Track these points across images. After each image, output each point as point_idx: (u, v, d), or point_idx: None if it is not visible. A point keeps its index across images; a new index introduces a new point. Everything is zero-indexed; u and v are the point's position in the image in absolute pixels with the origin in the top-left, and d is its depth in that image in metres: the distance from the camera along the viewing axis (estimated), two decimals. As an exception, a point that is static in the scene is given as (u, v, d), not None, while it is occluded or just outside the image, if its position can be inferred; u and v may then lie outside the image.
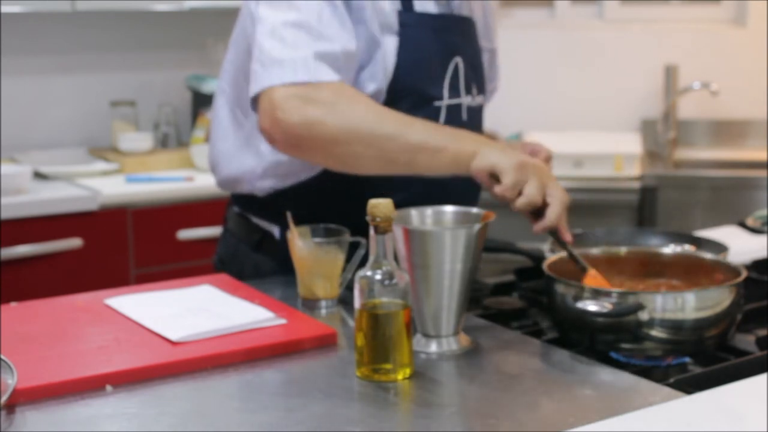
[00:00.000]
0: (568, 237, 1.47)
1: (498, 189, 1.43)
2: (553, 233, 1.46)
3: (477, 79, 1.77)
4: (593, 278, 1.45)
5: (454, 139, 1.50)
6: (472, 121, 1.74)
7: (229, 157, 1.77)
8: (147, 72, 3.57)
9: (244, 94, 1.71)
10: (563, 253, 1.50)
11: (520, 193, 1.43)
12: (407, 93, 1.63)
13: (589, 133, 3.76)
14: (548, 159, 1.76)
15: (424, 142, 1.48)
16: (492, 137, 1.87)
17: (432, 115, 1.67)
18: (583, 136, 3.68)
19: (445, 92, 1.69)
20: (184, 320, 1.41)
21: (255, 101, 1.57)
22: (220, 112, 1.79)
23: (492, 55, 1.91)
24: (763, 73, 3.77)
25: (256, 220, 1.79)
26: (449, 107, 1.69)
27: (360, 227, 1.42)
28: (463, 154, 1.47)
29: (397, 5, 1.64)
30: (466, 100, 1.73)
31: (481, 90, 1.79)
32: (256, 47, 1.57)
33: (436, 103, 1.67)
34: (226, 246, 1.87)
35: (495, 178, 1.44)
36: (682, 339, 1.34)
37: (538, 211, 1.45)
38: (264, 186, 1.73)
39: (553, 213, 1.43)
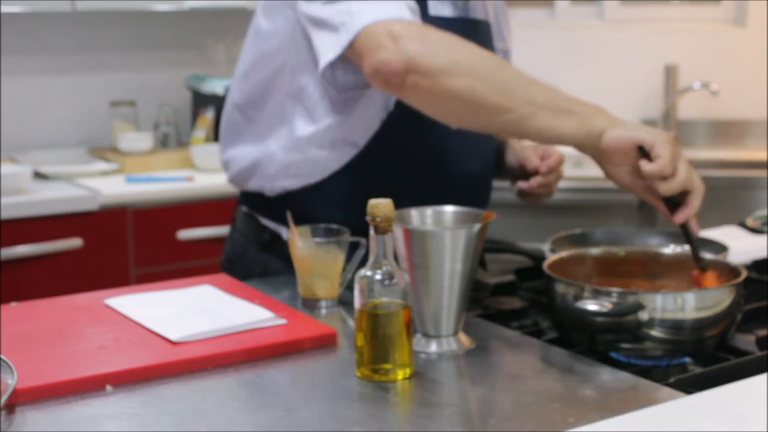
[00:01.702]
0: (697, 230, 1.42)
1: (652, 166, 1.35)
2: (685, 227, 1.42)
3: None
4: (709, 281, 1.43)
5: (581, 106, 1.41)
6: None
7: (242, 155, 1.76)
8: (147, 72, 3.57)
9: (258, 92, 1.70)
10: (566, 252, 1.50)
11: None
12: None
13: (589, 133, 3.75)
14: (560, 162, 1.76)
15: (550, 100, 1.41)
16: (503, 141, 1.87)
17: None
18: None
19: None
20: (184, 320, 1.41)
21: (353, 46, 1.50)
22: (232, 110, 1.78)
23: (506, 55, 1.91)
24: (763, 73, 3.77)
25: (264, 220, 1.79)
26: None
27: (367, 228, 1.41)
28: (590, 123, 1.39)
29: None
30: None
31: None
32: (333, 8, 1.52)
33: None
34: (233, 246, 1.87)
35: (643, 152, 1.37)
36: (682, 339, 1.34)
37: (670, 199, 1.40)
38: (274, 186, 1.72)
39: (699, 201, 1.38)
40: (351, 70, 1.59)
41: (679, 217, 1.41)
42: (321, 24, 1.54)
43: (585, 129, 1.41)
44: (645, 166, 1.38)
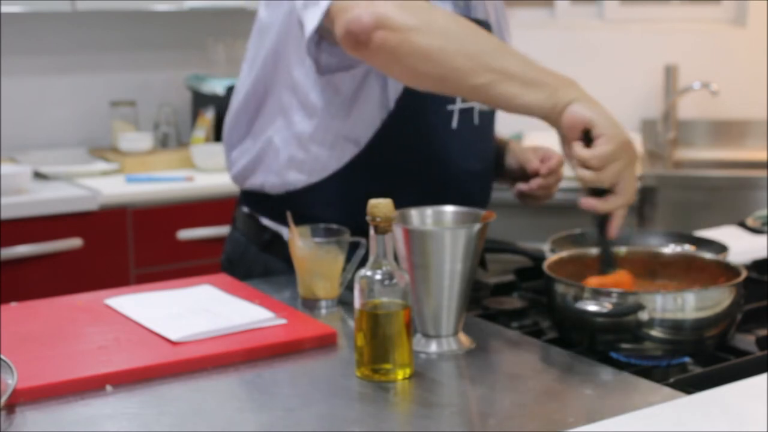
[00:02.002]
0: (612, 233, 1.41)
1: (581, 151, 1.35)
2: (601, 222, 1.42)
3: None
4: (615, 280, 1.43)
5: (551, 77, 1.39)
6: (484, 125, 1.74)
7: (245, 152, 1.76)
8: (147, 72, 3.57)
9: (261, 85, 1.70)
10: (566, 252, 1.50)
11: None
12: (420, 96, 1.62)
13: (589, 133, 3.75)
14: (560, 164, 1.76)
15: (523, 70, 1.39)
16: (504, 143, 1.87)
17: (444, 119, 1.67)
18: (583, 136, 3.68)
19: (459, 97, 1.68)
20: (184, 320, 1.41)
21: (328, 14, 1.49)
22: (237, 108, 1.78)
23: None
24: (763, 73, 3.77)
25: (265, 220, 1.79)
26: (461, 111, 1.69)
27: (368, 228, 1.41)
28: (558, 95, 1.37)
29: None
30: (478, 104, 1.72)
31: None
32: None
33: (449, 107, 1.67)
34: (234, 246, 1.87)
35: (586, 136, 1.36)
36: (682, 339, 1.34)
37: (598, 189, 1.38)
38: (277, 180, 1.72)
39: (617, 204, 1.37)
40: (335, 53, 1.59)
41: (589, 203, 1.37)
42: (307, 1, 1.54)
43: (552, 101, 1.38)
44: (576, 147, 1.36)
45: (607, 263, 1.46)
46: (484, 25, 1.75)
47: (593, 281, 1.43)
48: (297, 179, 1.71)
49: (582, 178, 1.36)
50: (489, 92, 1.40)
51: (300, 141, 1.68)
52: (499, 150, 1.85)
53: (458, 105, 1.68)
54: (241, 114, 1.77)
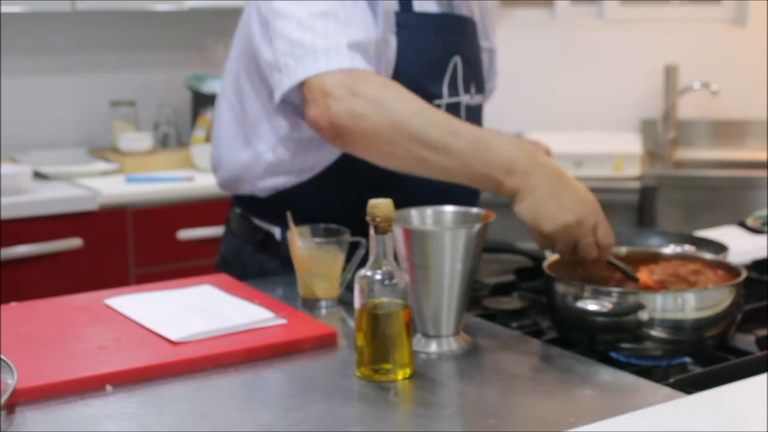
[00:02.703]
0: (611, 255, 1.46)
1: (541, 245, 1.44)
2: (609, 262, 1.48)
3: (476, 78, 1.77)
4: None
5: (498, 165, 1.43)
6: (471, 120, 1.74)
7: (231, 158, 1.77)
8: (147, 72, 3.57)
9: (246, 93, 1.71)
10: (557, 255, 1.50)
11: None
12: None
13: (589, 133, 3.76)
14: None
15: (466, 162, 1.44)
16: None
17: None
18: (583, 136, 3.68)
19: (445, 91, 1.69)
20: (184, 320, 1.41)
21: (294, 95, 1.56)
22: (222, 113, 1.79)
23: (491, 54, 1.92)
24: (763, 73, 3.77)
25: (257, 221, 1.79)
26: (448, 106, 1.70)
27: (361, 227, 1.41)
28: (504, 189, 1.43)
29: (395, 5, 1.64)
30: (464, 99, 1.73)
31: (480, 89, 1.80)
32: (284, 41, 1.55)
33: (436, 102, 1.68)
34: (228, 246, 1.87)
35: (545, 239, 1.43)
36: (682, 339, 1.34)
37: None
38: (265, 186, 1.73)
39: (603, 257, 1.45)
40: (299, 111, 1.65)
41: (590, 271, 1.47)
42: (271, 53, 1.58)
43: (497, 191, 1.45)
44: (537, 243, 1.46)
45: (628, 272, 1.49)
46: (469, 21, 1.76)
47: (646, 280, 1.47)
48: (286, 180, 1.71)
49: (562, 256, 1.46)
50: (438, 176, 1.49)
51: (286, 144, 1.68)
52: None
53: (445, 100, 1.69)
54: (226, 115, 1.77)
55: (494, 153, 1.43)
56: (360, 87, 1.49)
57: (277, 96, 1.58)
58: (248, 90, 1.71)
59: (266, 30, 1.60)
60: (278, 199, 1.73)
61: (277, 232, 1.76)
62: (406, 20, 1.65)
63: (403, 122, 1.46)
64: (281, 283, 1.67)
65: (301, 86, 1.54)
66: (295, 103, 1.63)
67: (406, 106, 1.48)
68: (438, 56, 1.69)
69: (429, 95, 1.66)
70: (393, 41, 1.64)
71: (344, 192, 1.68)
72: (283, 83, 1.55)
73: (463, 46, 1.74)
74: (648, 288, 1.46)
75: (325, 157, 1.68)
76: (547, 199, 1.41)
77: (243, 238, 1.82)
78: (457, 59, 1.71)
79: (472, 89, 1.76)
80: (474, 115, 1.77)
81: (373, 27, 1.58)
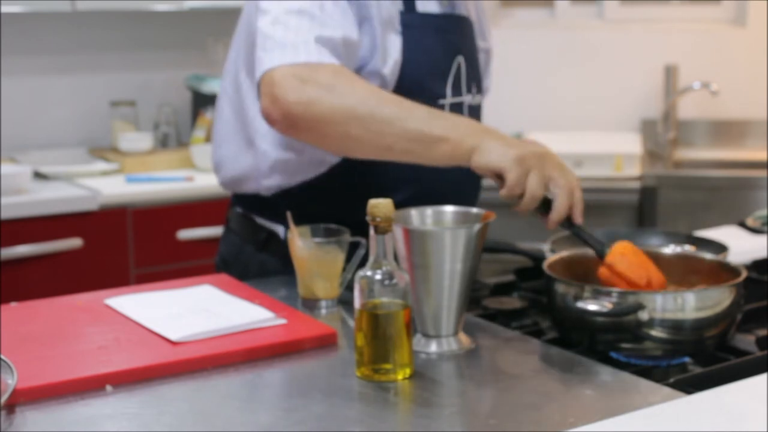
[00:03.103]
0: (578, 220, 1.44)
1: (502, 191, 1.41)
2: (566, 223, 1.44)
3: (476, 78, 1.78)
4: (611, 265, 1.44)
5: (454, 129, 1.46)
6: (472, 119, 1.75)
7: (234, 157, 1.77)
8: (147, 72, 3.57)
9: (245, 91, 1.72)
10: (566, 252, 1.50)
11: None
12: (412, 91, 1.63)
13: (589, 133, 3.76)
14: None
15: (422, 132, 1.45)
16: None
17: None
18: (583, 136, 3.68)
19: (449, 91, 1.70)
20: (184, 320, 1.41)
21: (259, 85, 1.57)
22: (224, 112, 1.79)
23: (487, 54, 1.92)
24: (763, 73, 3.77)
25: (260, 220, 1.79)
26: (452, 105, 1.70)
27: (361, 227, 1.41)
28: (462, 148, 1.44)
29: (399, 5, 1.65)
30: (467, 99, 1.74)
31: (480, 89, 1.80)
32: (259, 35, 1.57)
33: (440, 102, 1.68)
34: (228, 246, 1.87)
35: (498, 176, 1.42)
36: (682, 339, 1.34)
37: (547, 205, 1.43)
38: (270, 185, 1.73)
39: (560, 205, 1.41)
40: None
41: (548, 224, 1.44)
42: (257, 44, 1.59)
43: (453, 156, 1.45)
44: (500, 191, 1.43)
45: (598, 246, 1.46)
46: (468, 22, 1.76)
47: (604, 271, 1.43)
48: (291, 178, 1.71)
49: (521, 209, 1.42)
50: (406, 160, 1.49)
51: (288, 143, 1.68)
52: None
53: (449, 99, 1.70)
54: (228, 113, 1.78)
55: (451, 118, 1.49)
56: (311, 75, 1.50)
57: (252, 95, 1.59)
58: (247, 87, 1.72)
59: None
60: (282, 197, 1.73)
61: (281, 230, 1.76)
62: (410, 20, 1.66)
63: (357, 103, 1.48)
64: (281, 283, 1.67)
65: (261, 78, 1.55)
66: None
67: (358, 89, 1.49)
68: (442, 56, 1.70)
69: (433, 95, 1.67)
70: (398, 41, 1.64)
71: (348, 191, 1.68)
72: (255, 75, 1.57)
73: (465, 46, 1.74)
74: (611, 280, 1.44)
75: (330, 155, 1.68)
76: (500, 144, 1.42)
77: (244, 238, 1.82)
78: (460, 59, 1.72)
79: (474, 89, 1.77)
80: (475, 115, 1.77)
81: (353, 30, 1.59)
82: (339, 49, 1.55)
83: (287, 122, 1.51)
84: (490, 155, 1.41)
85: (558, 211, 1.42)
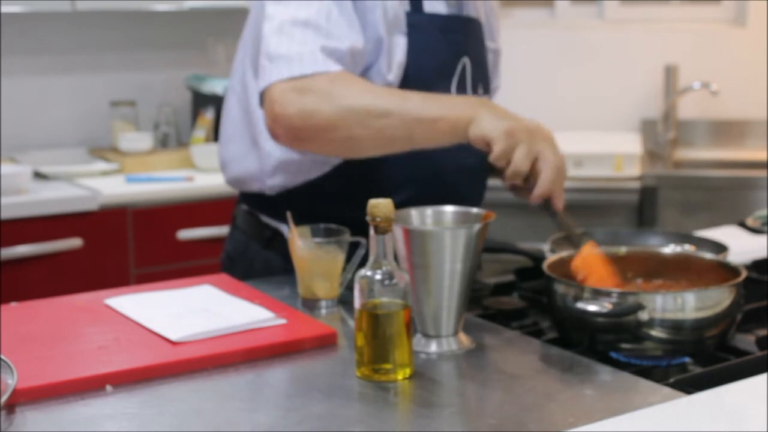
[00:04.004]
0: (559, 206, 1.45)
1: (491, 158, 1.42)
2: (546, 205, 1.44)
3: (483, 78, 1.78)
4: (582, 258, 1.44)
5: (450, 106, 1.47)
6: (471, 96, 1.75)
7: (239, 157, 1.77)
8: (147, 72, 3.57)
9: (251, 91, 1.72)
10: (566, 252, 1.50)
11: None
12: (412, 89, 1.63)
13: (589, 133, 3.76)
14: None
15: (420, 114, 1.46)
16: None
17: None
18: (583, 136, 3.68)
19: (453, 91, 1.70)
20: (184, 320, 1.41)
21: (262, 97, 1.58)
22: (232, 110, 1.79)
23: (495, 55, 1.92)
24: (763, 73, 3.77)
25: (265, 218, 1.79)
26: None
27: (361, 227, 1.41)
28: (460, 121, 1.44)
29: (406, 6, 1.65)
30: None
31: (487, 89, 1.80)
32: (264, 43, 1.57)
33: None
34: (234, 243, 1.87)
35: (489, 146, 1.43)
36: (682, 339, 1.34)
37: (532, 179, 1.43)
38: (274, 184, 1.73)
39: (544, 180, 1.42)
40: None
41: (531, 198, 1.44)
42: (262, 52, 1.59)
43: (454, 131, 1.45)
44: (490, 158, 1.44)
45: (574, 236, 1.47)
46: (476, 23, 1.76)
47: (578, 263, 1.44)
48: (295, 179, 1.71)
49: (508, 178, 1.43)
50: (411, 147, 1.51)
51: None
52: None
53: None
54: (235, 111, 1.78)
55: (446, 98, 1.51)
56: (309, 85, 1.51)
57: (257, 97, 1.59)
58: (254, 88, 1.72)
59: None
60: (286, 196, 1.73)
61: (285, 229, 1.76)
62: (417, 21, 1.65)
63: (352, 103, 1.49)
64: (282, 283, 1.67)
65: (263, 92, 1.56)
66: None
67: (353, 90, 1.51)
68: (447, 57, 1.69)
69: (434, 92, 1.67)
70: (403, 42, 1.64)
71: (352, 190, 1.68)
72: (259, 84, 1.57)
73: (471, 47, 1.74)
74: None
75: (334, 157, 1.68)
76: (493, 116, 1.43)
77: (249, 235, 1.82)
78: (465, 60, 1.72)
79: (480, 90, 1.77)
80: None
81: (359, 38, 1.59)
82: (345, 58, 1.56)
83: (291, 136, 1.53)
84: (481, 125, 1.42)
85: (541, 187, 1.42)
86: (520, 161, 1.41)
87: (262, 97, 1.56)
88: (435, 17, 1.68)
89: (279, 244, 1.76)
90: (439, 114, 1.46)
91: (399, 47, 1.64)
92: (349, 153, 1.56)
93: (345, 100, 1.49)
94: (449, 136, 1.46)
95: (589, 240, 1.47)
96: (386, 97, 1.50)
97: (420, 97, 1.50)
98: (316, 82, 1.51)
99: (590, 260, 1.45)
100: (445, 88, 1.69)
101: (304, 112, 1.50)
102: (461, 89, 1.71)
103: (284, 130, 1.53)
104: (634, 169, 3.32)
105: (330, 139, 1.52)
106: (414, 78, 1.64)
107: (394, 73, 1.63)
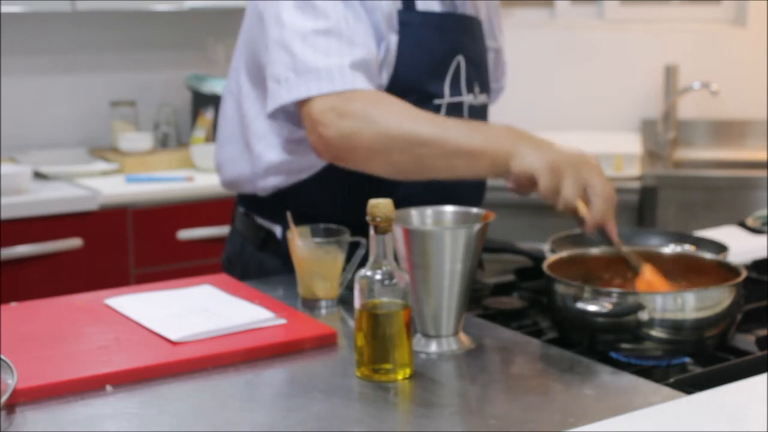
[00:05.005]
0: (613, 235, 1.44)
1: (539, 193, 1.41)
2: (601, 236, 1.45)
3: (480, 77, 1.77)
4: (646, 282, 1.45)
5: (491, 140, 1.47)
6: (475, 120, 1.74)
7: (233, 159, 1.77)
8: (147, 72, 3.57)
9: (245, 94, 1.72)
10: (566, 252, 1.50)
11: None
12: (407, 91, 1.63)
13: (589, 133, 3.76)
14: None
15: (460, 147, 1.46)
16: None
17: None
18: (583, 136, 3.68)
19: (446, 90, 1.69)
20: (184, 320, 1.41)
21: (296, 108, 1.59)
22: (228, 112, 1.79)
23: (497, 54, 1.91)
24: (763, 73, 3.77)
25: (259, 219, 1.80)
26: (450, 105, 1.69)
27: (361, 227, 1.42)
28: (500, 156, 1.44)
29: (398, 4, 1.64)
30: (467, 99, 1.73)
31: (485, 89, 1.79)
32: (285, 53, 1.56)
33: (436, 101, 1.68)
34: (233, 245, 1.88)
35: (535, 181, 1.42)
36: (682, 339, 1.34)
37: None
38: (266, 185, 1.73)
39: (595, 210, 1.41)
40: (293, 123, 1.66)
41: (584, 230, 1.44)
42: (269, 60, 1.59)
43: (494, 166, 1.45)
44: (538, 193, 1.43)
45: (632, 266, 1.47)
46: (474, 21, 1.76)
47: (642, 287, 1.44)
48: (286, 179, 1.71)
49: (559, 210, 1.42)
50: (450, 178, 1.51)
51: (284, 145, 1.68)
52: None
53: (446, 99, 1.69)
54: (231, 113, 1.78)
55: (486, 129, 1.50)
56: (347, 106, 1.51)
57: (271, 106, 1.59)
58: (247, 90, 1.72)
59: (264, 33, 1.61)
60: (279, 197, 1.73)
61: (278, 230, 1.76)
62: (409, 18, 1.65)
63: (393, 130, 1.49)
64: (281, 283, 1.67)
65: (299, 104, 1.56)
66: (290, 111, 1.63)
67: (394, 115, 1.51)
68: (440, 55, 1.69)
69: (429, 95, 1.66)
70: (394, 40, 1.64)
71: (345, 190, 1.68)
72: (282, 96, 1.56)
73: (467, 45, 1.73)
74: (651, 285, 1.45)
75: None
76: (533, 150, 1.43)
77: (246, 237, 1.83)
78: (460, 58, 1.71)
79: (476, 89, 1.75)
80: (478, 115, 1.76)
81: (373, 39, 1.59)
82: (371, 68, 1.57)
83: (331, 156, 1.56)
84: (523, 161, 1.42)
85: (593, 218, 1.42)
86: (569, 195, 1.40)
87: (300, 113, 1.57)
88: (428, 15, 1.68)
89: (273, 246, 1.76)
90: (479, 147, 1.45)
91: (391, 45, 1.64)
92: (389, 175, 1.56)
93: (384, 124, 1.50)
94: (490, 170, 1.46)
95: (645, 263, 1.47)
96: (425, 124, 1.50)
97: (459, 126, 1.50)
98: (356, 104, 1.51)
99: (654, 283, 1.45)
100: (437, 87, 1.68)
101: (344, 136, 1.51)
102: (455, 87, 1.70)
103: (326, 151, 1.55)
104: (634, 169, 3.32)
105: (372, 162, 1.53)
106: (404, 76, 1.64)
107: (386, 72, 1.63)
